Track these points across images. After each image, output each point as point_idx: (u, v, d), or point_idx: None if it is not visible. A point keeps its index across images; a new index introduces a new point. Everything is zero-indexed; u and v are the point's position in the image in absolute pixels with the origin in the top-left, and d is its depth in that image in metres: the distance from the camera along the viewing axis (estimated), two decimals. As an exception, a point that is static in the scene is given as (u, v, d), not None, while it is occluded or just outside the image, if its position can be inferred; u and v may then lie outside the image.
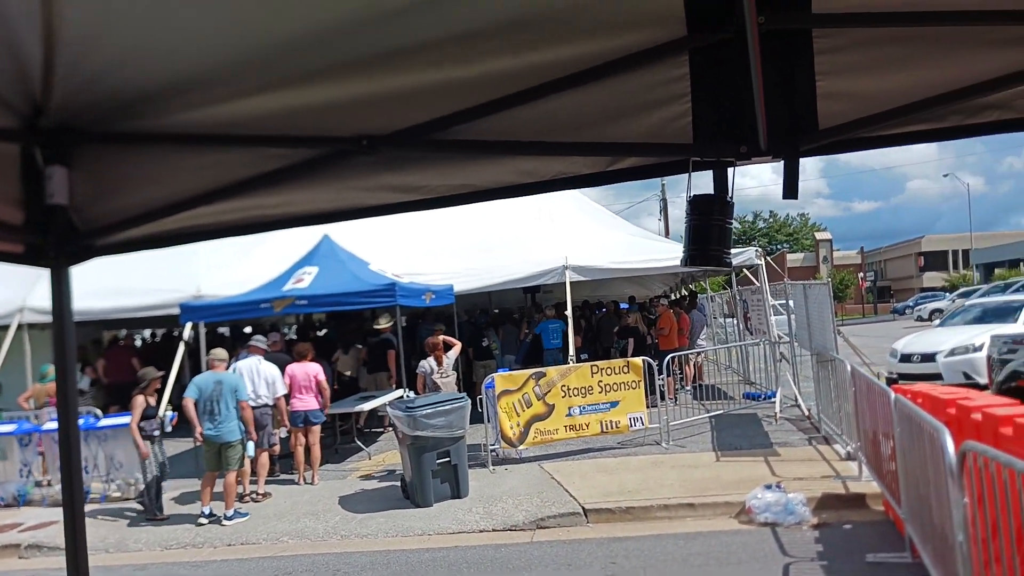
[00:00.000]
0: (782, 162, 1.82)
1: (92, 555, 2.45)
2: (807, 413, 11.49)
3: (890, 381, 11.96)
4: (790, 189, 1.83)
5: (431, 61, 1.73)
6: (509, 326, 15.16)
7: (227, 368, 9.18)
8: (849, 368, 8.12)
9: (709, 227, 1.94)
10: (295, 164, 2.00)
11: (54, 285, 2.10)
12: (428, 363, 9.55)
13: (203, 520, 8.38)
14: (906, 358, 14.19)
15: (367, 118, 1.88)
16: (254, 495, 9.19)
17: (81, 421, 9.23)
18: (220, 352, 8.92)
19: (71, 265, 2.12)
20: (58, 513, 8.19)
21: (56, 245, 2.08)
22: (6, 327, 12.98)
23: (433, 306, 12.26)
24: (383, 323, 12.76)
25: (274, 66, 1.73)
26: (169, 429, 8.73)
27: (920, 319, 40.10)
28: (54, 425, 9.72)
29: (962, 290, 41.03)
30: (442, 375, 9.56)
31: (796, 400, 12.09)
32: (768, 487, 7.52)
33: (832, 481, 7.88)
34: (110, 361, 14.68)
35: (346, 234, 11.86)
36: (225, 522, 8.34)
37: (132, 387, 14.22)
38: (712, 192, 1.91)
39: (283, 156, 2.00)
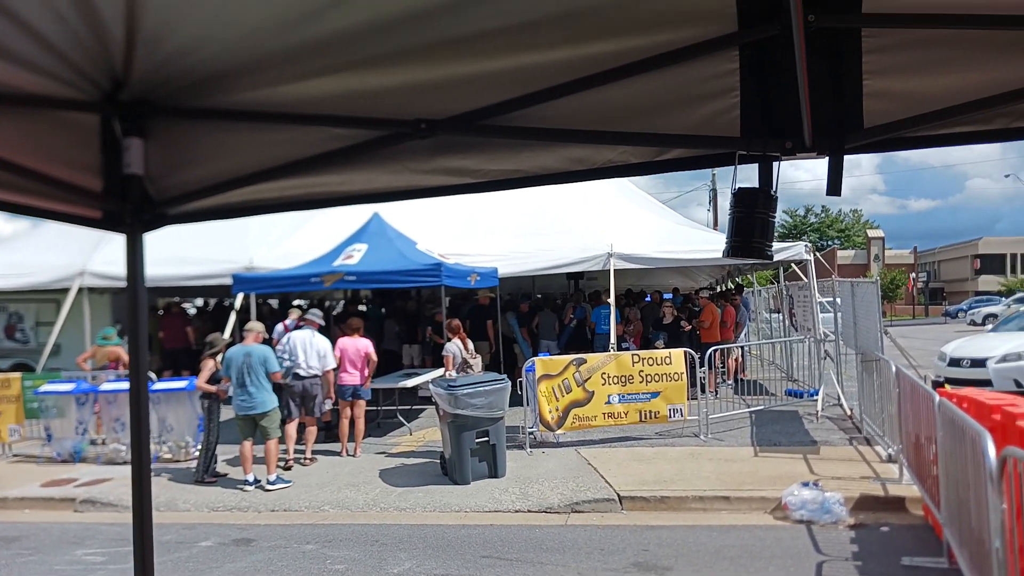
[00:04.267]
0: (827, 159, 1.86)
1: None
2: (849, 413, 11.36)
3: (936, 385, 11.74)
4: (833, 186, 1.86)
5: (488, 50, 1.80)
6: (549, 311, 15.22)
7: (280, 339, 9.46)
8: (894, 369, 8.02)
9: (752, 220, 1.98)
10: (356, 144, 2.09)
11: (129, 250, 2.24)
12: (455, 345, 9.63)
13: (247, 487, 8.66)
14: (955, 362, 13.90)
15: (426, 103, 1.96)
16: (301, 459, 9.51)
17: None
18: (253, 324, 9.08)
19: (145, 232, 2.26)
20: (111, 471, 8.57)
21: (132, 212, 2.21)
22: (66, 290, 13.50)
23: (478, 288, 12.41)
24: (485, 293, 13.69)
25: (339, 51, 1.82)
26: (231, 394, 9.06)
27: (973, 323, 39.05)
28: (111, 386, 10.13)
29: (1019, 295, 39.86)
30: (472, 355, 9.69)
31: (839, 399, 11.96)
32: (805, 484, 7.49)
33: (871, 482, 7.81)
34: (165, 328, 15.17)
35: (395, 213, 12.06)
36: (268, 487, 8.61)
37: (184, 353, 14.76)
38: (757, 185, 1.95)
39: (345, 136, 2.10)
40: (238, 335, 12.18)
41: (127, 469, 9.58)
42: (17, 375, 11.04)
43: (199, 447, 9.81)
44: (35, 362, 14.01)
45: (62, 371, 11.69)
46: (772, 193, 1.96)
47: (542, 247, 13.02)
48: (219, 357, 9.02)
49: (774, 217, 1.99)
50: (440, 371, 11.17)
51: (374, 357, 10.10)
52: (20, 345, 15.57)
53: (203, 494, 8.57)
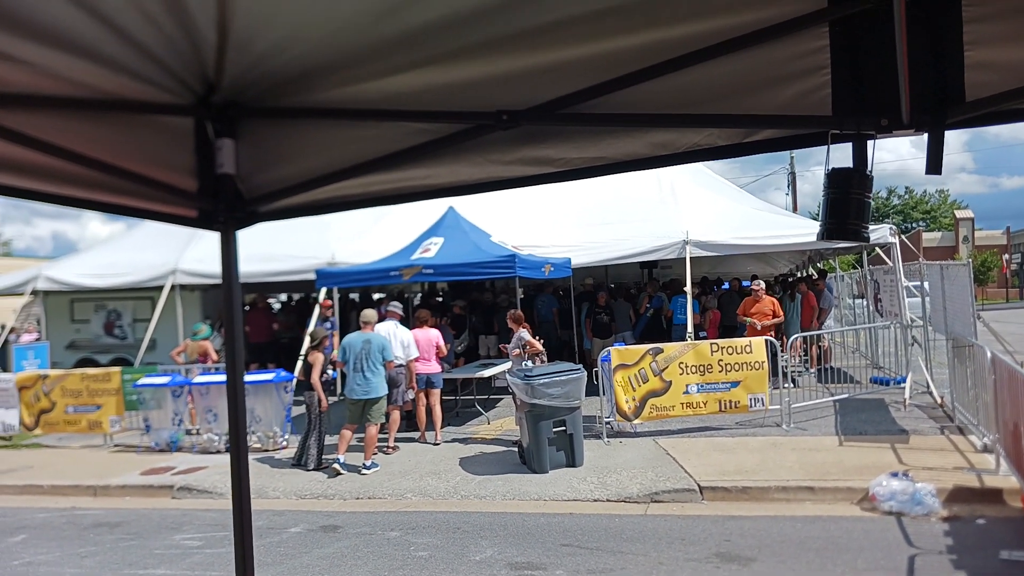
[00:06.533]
0: (925, 136, 1.79)
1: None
2: (939, 401, 10.90)
3: (1037, 371, 11.17)
4: (934, 164, 1.78)
5: (570, 37, 1.79)
6: (622, 301, 15.10)
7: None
8: (989, 355, 7.66)
9: (847, 201, 1.92)
10: (440, 138, 2.12)
11: (223, 247, 2.33)
12: (525, 334, 9.74)
13: (339, 469, 8.96)
14: (1056, 347, 13.18)
15: (507, 93, 1.97)
16: (384, 447, 9.83)
17: (222, 377, 9.95)
18: (370, 314, 9.55)
19: (238, 229, 2.35)
20: (206, 459, 8.93)
21: (225, 211, 2.30)
22: (160, 288, 14.13)
23: (552, 278, 12.41)
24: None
25: (422, 45, 1.84)
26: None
27: (1075, 306, 36.89)
28: (203, 379, 10.56)
29: None
30: (539, 339, 9.83)
31: (928, 387, 11.48)
32: (894, 475, 7.24)
33: (965, 473, 7.49)
34: (250, 323, 15.72)
35: (469, 206, 12.15)
36: (364, 471, 8.94)
37: (269, 347, 15.25)
38: (851, 165, 1.89)
39: (429, 131, 2.13)
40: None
41: (221, 458, 10.01)
42: (117, 369, 11.62)
43: (286, 437, 10.17)
44: (133, 357, 14.71)
45: (158, 365, 12.25)
46: (867, 173, 1.89)
47: (616, 236, 12.93)
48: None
49: (870, 198, 1.93)
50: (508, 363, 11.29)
51: (443, 347, 10.37)
52: (119, 341, 16.37)
53: (291, 482, 8.85)
